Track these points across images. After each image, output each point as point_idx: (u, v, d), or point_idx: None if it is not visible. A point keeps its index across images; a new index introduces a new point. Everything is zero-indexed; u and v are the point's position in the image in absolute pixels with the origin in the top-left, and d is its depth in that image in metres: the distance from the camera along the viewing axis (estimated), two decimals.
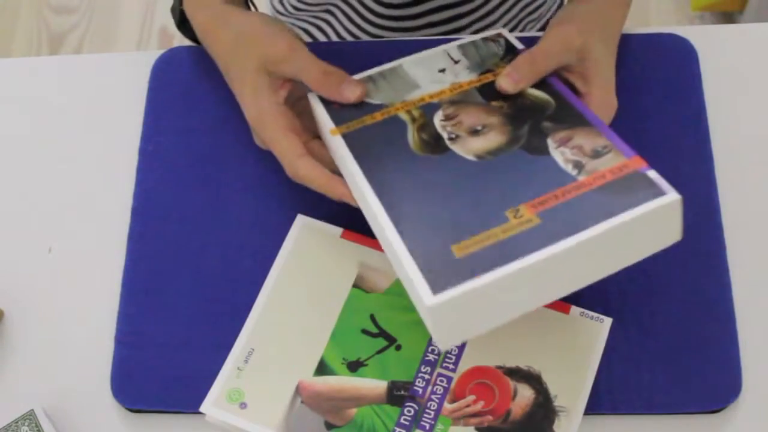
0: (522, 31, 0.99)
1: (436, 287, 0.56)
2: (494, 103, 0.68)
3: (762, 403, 0.69)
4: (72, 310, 0.75)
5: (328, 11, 0.96)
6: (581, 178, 0.61)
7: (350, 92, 0.68)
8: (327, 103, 0.70)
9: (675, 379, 0.69)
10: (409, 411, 0.67)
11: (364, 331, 0.70)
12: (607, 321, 0.70)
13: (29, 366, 0.73)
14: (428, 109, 0.68)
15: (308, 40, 1.01)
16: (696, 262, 0.72)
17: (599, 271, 0.59)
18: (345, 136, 0.67)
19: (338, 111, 0.69)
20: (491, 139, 0.65)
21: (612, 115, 0.71)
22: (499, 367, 0.68)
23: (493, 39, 0.74)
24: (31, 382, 0.73)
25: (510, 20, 0.97)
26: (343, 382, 0.68)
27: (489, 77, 0.70)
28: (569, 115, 0.66)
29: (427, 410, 0.67)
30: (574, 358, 0.68)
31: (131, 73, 0.83)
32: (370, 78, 0.71)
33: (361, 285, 0.71)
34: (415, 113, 0.68)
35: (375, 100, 0.69)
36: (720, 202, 0.75)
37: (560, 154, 0.63)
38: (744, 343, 0.71)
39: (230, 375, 0.68)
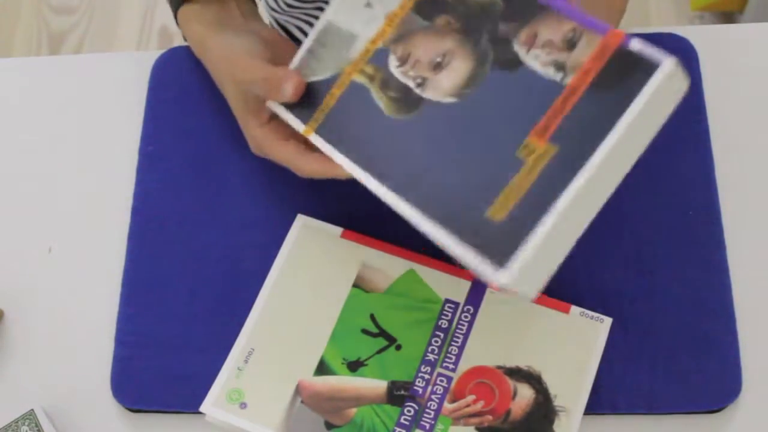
0: None
1: (498, 263, 0.54)
2: (438, 21, 0.62)
3: (762, 403, 0.69)
4: (72, 310, 0.75)
5: (320, 9, 0.96)
6: (569, 80, 0.57)
7: (287, 90, 0.66)
8: (288, 105, 0.68)
9: (675, 379, 0.69)
10: (409, 411, 0.67)
11: (364, 331, 0.70)
12: (607, 321, 0.70)
13: (29, 366, 0.73)
14: (379, 59, 0.64)
15: (301, 37, 1.01)
16: (696, 262, 0.72)
17: (634, 153, 0.56)
18: (319, 132, 0.65)
19: (300, 107, 0.66)
20: (458, 69, 0.61)
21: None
22: (499, 367, 0.68)
23: None
24: (31, 382, 0.73)
25: None
26: (343, 382, 0.68)
27: None
28: (520, 7, 0.60)
29: (427, 410, 0.67)
30: (574, 357, 0.68)
31: (131, 73, 0.83)
32: (309, 52, 0.67)
33: (361, 285, 0.71)
34: (368, 69, 0.64)
35: (324, 74, 0.66)
36: (720, 202, 0.75)
37: (535, 59, 0.58)
38: (744, 343, 0.71)
39: (230, 375, 0.68)
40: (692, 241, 0.73)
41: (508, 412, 0.67)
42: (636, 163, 0.75)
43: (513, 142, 0.57)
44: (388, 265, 0.72)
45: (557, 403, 0.67)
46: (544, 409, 0.67)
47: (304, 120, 0.66)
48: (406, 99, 0.62)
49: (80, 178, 0.79)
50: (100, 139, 0.80)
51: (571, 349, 0.69)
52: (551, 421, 0.66)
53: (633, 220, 0.73)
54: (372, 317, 0.70)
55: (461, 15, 0.62)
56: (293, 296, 0.71)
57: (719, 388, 0.68)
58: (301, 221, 0.73)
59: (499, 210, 0.56)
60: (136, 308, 0.73)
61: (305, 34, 0.99)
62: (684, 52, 0.80)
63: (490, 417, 0.67)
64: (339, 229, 0.73)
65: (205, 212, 0.76)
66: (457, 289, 0.71)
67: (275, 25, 1.05)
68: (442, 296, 0.71)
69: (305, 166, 0.67)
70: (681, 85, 0.56)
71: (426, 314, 0.70)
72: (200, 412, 0.70)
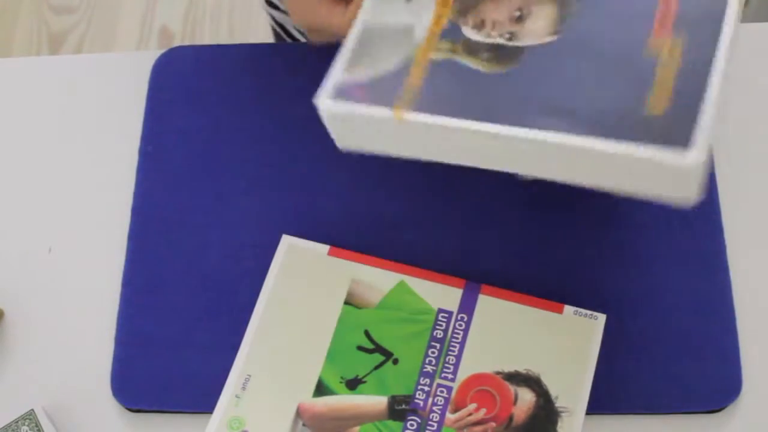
0: None
1: (683, 145, 0.52)
2: None
3: (762, 403, 0.69)
4: (72, 310, 0.75)
5: None
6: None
7: None
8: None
9: (675, 379, 0.69)
10: (411, 425, 0.67)
11: (360, 348, 0.70)
12: (601, 317, 0.70)
13: (29, 366, 0.73)
14: (451, 33, 0.60)
15: (301, 38, 1.01)
16: (696, 262, 0.72)
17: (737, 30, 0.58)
18: (415, 110, 0.57)
19: (376, 97, 0.59)
20: (542, 12, 0.59)
21: None
22: (498, 373, 0.68)
23: None
24: (31, 382, 0.72)
25: None
26: (343, 400, 0.68)
27: None
28: None
29: (429, 422, 0.67)
30: (571, 357, 0.68)
31: (131, 73, 0.83)
32: (353, 53, 0.61)
33: (353, 301, 0.71)
34: (445, 46, 0.59)
35: (389, 66, 0.59)
36: (720, 202, 0.75)
37: None
38: (744, 343, 0.71)
39: (229, 403, 0.68)
40: (692, 241, 0.73)
41: (510, 418, 0.67)
42: None
43: (638, 48, 0.56)
44: (378, 279, 0.71)
45: (559, 404, 0.67)
46: (546, 411, 0.67)
47: (388, 104, 0.58)
48: (503, 53, 0.58)
49: (80, 178, 0.79)
50: (100, 139, 0.80)
51: (568, 349, 0.69)
52: (554, 423, 0.66)
53: (632, 220, 0.73)
54: (366, 333, 0.70)
55: None
56: (285, 318, 0.70)
57: (719, 388, 0.68)
58: (287, 242, 0.73)
59: (657, 105, 0.54)
60: (136, 308, 0.73)
61: (304, 35, 0.99)
62: None
63: (493, 424, 0.67)
64: (326, 247, 0.73)
65: (205, 212, 0.76)
66: (449, 298, 0.71)
67: (274, 23, 1.05)
68: (435, 306, 0.70)
69: (344, 16, 0.63)
70: (693, 187, 0.55)
71: (420, 326, 0.70)
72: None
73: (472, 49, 0.58)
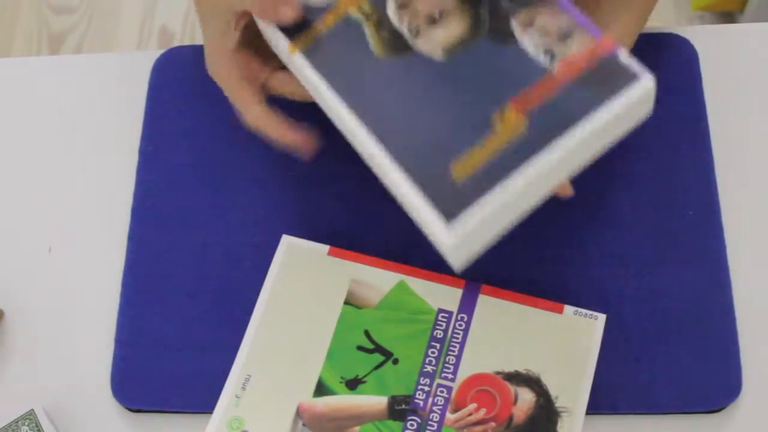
0: None
1: (449, 220, 0.55)
2: None
3: (762, 403, 0.69)
4: (72, 310, 0.75)
5: None
6: (555, 67, 0.59)
7: (285, 13, 0.65)
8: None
9: (675, 379, 0.69)
10: (411, 425, 0.67)
11: (360, 348, 0.70)
12: (602, 318, 0.70)
13: (29, 366, 0.73)
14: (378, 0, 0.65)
15: None
16: (696, 261, 0.72)
17: (588, 155, 0.59)
18: (304, 53, 0.64)
19: (291, 28, 0.66)
20: (453, 27, 0.62)
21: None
22: (498, 373, 0.68)
23: None
24: (31, 382, 0.73)
25: None
26: (343, 401, 0.68)
27: None
28: None
29: (429, 422, 0.67)
30: (571, 357, 0.68)
31: (131, 73, 0.83)
32: None
33: (353, 301, 0.71)
34: (366, 8, 0.64)
35: (318, 1, 0.65)
36: (720, 202, 0.75)
37: (529, 40, 0.60)
38: (744, 343, 0.71)
39: (229, 404, 0.68)
40: (692, 241, 0.73)
41: (510, 418, 0.67)
42: (636, 162, 0.75)
43: (490, 106, 0.58)
44: (378, 279, 0.71)
45: (559, 404, 0.67)
46: (546, 411, 0.67)
47: (291, 38, 0.65)
48: (397, 43, 0.62)
49: (80, 178, 0.79)
50: (100, 139, 0.80)
51: (568, 349, 0.69)
52: (554, 423, 0.66)
53: (633, 220, 0.73)
54: (366, 333, 0.70)
55: None
56: (285, 318, 0.70)
57: (719, 388, 0.68)
58: (287, 242, 0.73)
59: (461, 169, 0.57)
60: (136, 308, 0.73)
61: None
62: (684, 52, 0.80)
63: (493, 424, 0.67)
64: (326, 247, 0.73)
65: (205, 212, 0.76)
66: (449, 298, 0.71)
67: None
68: (435, 306, 0.70)
69: (252, 117, 0.67)
70: (648, 106, 0.59)
71: (420, 326, 0.70)
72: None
73: (381, 23, 0.63)
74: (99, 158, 0.80)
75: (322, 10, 0.65)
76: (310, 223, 0.75)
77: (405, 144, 0.59)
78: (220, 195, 0.76)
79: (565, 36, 0.59)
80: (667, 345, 0.70)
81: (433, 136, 0.59)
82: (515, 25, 0.61)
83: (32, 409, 0.70)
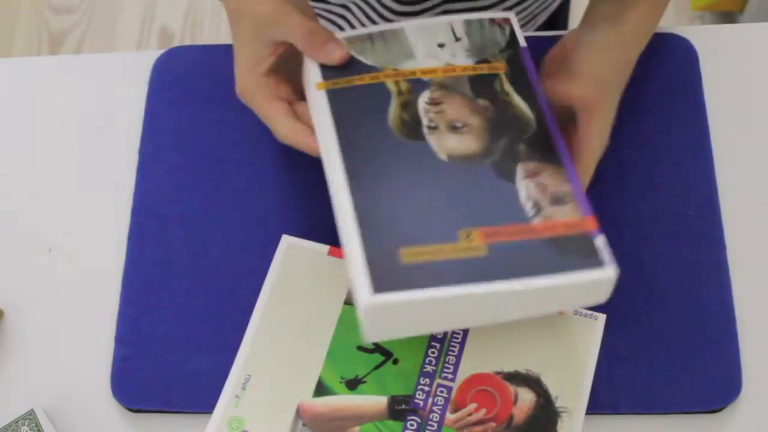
0: (532, 22, 0.99)
1: (377, 288, 0.58)
2: (480, 101, 0.67)
3: (762, 403, 0.69)
4: (72, 310, 0.75)
5: (344, 6, 0.96)
6: (535, 222, 0.62)
7: (333, 52, 0.68)
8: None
9: (675, 379, 0.69)
10: (411, 425, 0.67)
11: (360, 348, 0.70)
12: (601, 318, 0.70)
13: (29, 366, 0.73)
14: (416, 85, 0.68)
15: None
16: (696, 261, 0.72)
17: (522, 312, 0.62)
18: (329, 93, 0.67)
19: (330, 68, 0.69)
20: (467, 143, 0.65)
21: (602, 152, 0.69)
22: (498, 373, 0.68)
23: (500, 23, 0.72)
24: (31, 382, 0.73)
25: (522, 11, 0.97)
26: (343, 401, 0.68)
27: (484, 68, 0.69)
28: (544, 146, 0.65)
29: (429, 422, 0.67)
30: (571, 357, 0.68)
31: (131, 73, 0.83)
32: (369, 36, 0.70)
33: (353, 301, 0.71)
34: (403, 86, 0.68)
35: (368, 61, 0.69)
36: (720, 202, 0.75)
37: (524, 188, 0.63)
38: (744, 343, 0.71)
39: (229, 403, 0.68)
40: (692, 241, 0.73)
41: (511, 418, 0.67)
42: (636, 162, 0.75)
43: (463, 221, 0.62)
44: None
45: (559, 404, 0.67)
46: (546, 412, 0.67)
47: (325, 77, 0.68)
48: (413, 129, 0.66)
49: (80, 178, 0.79)
50: (100, 139, 0.80)
51: (568, 349, 0.69)
52: (554, 423, 0.66)
53: (633, 220, 0.73)
54: None
55: (499, 112, 0.67)
56: (285, 319, 0.70)
57: (719, 388, 0.68)
58: (287, 242, 0.73)
59: (410, 255, 0.60)
60: (136, 308, 0.73)
61: None
62: (684, 52, 0.80)
63: (493, 424, 0.67)
64: (326, 247, 0.73)
65: (205, 212, 0.76)
66: None
67: None
68: None
69: (282, 129, 0.68)
70: (602, 296, 0.62)
71: None
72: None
73: (407, 105, 0.67)
74: (99, 158, 0.80)
75: (364, 68, 0.68)
76: (310, 223, 0.75)
77: (374, 210, 0.62)
78: (220, 195, 0.76)
79: (557, 201, 0.63)
80: (667, 345, 0.70)
81: (403, 217, 0.61)
82: (520, 169, 0.64)
83: (32, 409, 0.70)
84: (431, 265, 0.59)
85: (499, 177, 0.64)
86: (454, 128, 0.66)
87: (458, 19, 0.72)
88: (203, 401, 0.70)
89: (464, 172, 0.64)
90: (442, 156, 0.64)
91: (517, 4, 0.96)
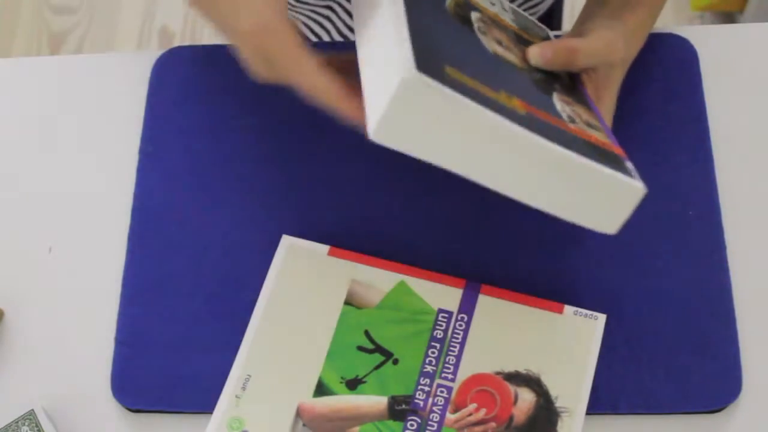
0: None
1: (422, 66, 0.52)
2: (522, 47, 0.67)
3: (762, 403, 0.69)
4: (72, 310, 0.75)
5: (328, 7, 0.96)
6: (571, 126, 0.61)
7: None
8: None
9: (675, 379, 0.69)
10: (411, 425, 0.67)
11: (360, 348, 0.70)
12: (602, 318, 0.70)
13: (29, 366, 0.73)
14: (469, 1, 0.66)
15: (308, 33, 1.01)
16: (696, 262, 0.72)
17: (536, 187, 0.58)
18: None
19: None
20: (510, 57, 0.65)
21: (610, 121, 0.71)
22: (498, 373, 0.68)
23: (539, 25, 0.74)
24: (31, 382, 0.72)
25: None
26: (343, 401, 0.68)
27: (525, 35, 0.70)
28: (577, 93, 0.66)
29: (429, 423, 0.67)
30: (571, 357, 0.68)
31: (131, 73, 0.83)
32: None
33: (353, 301, 0.71)
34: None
35: None
36: (720, 202, 0.75)
37: (560, 104, 0.63)
38: (744, 343, 0.71)
39: (229, 404, 0.68)
40: (692, 241, 0.73)
41: (511, 418, 0.67)
42: (636, 162, 0.75)
43: (505, 85, 0.59)
44: (378, 279, 0.71)
45: (559, 404, 0.67)
46: (546, 412, 0.67)
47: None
48: (465, 19, 0.63)
49: (80, 178, 0.79)
50: (100, 139, 0.80)
51: (568, 349, 0.69)
52: (554, 423, 0.66)
53: (633, 220, 0.73)
54: (366, 333, 0.70)
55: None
56: (285, 319, 0.70)
57: (719, 388, 0.68)
58: (287, 242, 0.73)
59: (455, 73, 0.55)
60: (136, 308, 0.73)
61: (311, 31, 0.99)
62: (684, 52, 0.80)
63: (493, 424, 0.67)
64: (326, 247, 0.73)
65: (205, 212, 0.76)
66: (449, 298, 0.71)
67: None
68: (435, 306, 0.70)
69: (321, 79, 0.57)
70: (624, 211, 0.61)
71: (420, 326, 0.70)
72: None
73: (461, 5, 0.64)
74: (99, 158, 0.80)
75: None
76: (310, 223, 0.75)
77: (426, 30, 0.56)
78: (220, 195, 0.76)
79: (590, 126, 0.64)
80: (667, 345, 0.70)
81: (452, 48, 0.57)
82: (556, 96, 0.64)
83: (32, 409, 0.70)
84: (473, 90, 0.54)
85: (537, 88, 0.62)
86: (499, 42, 0.65)
87: (507, 2, 0.72)
88: (203, 401, 0.70)
89: (509, 67, 0.62)
90: (490, 51, 0.62)
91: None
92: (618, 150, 0.63)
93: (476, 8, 0.66)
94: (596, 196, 0.59)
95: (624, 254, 0.72)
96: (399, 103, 0.52)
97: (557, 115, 0.61)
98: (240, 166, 0.77)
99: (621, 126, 0.76)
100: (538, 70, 0.67)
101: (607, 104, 0.71)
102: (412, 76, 0.51)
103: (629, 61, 0.73)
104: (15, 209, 0.78)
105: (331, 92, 0.58)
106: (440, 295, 0.71)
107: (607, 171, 0.58)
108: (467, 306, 0.70)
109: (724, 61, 0.80)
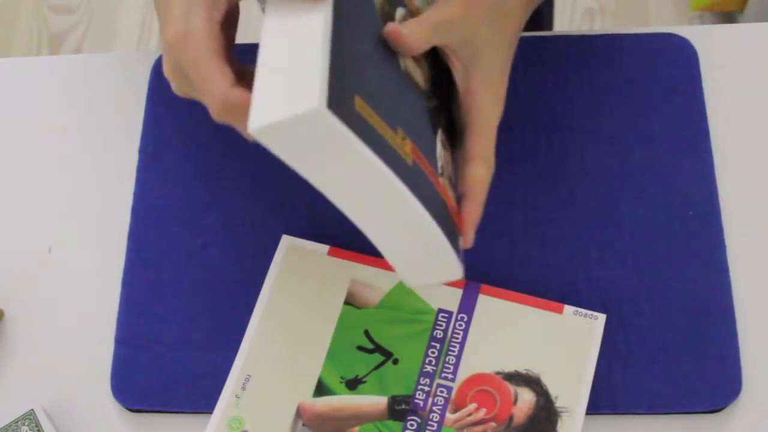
0: None
1: (333, 104, 0.49)
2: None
3: (762, 403, 0.69)
4: (72, 310, 0.75)
5: None
6: (440, 180, 0.59)
7: None
8: None
9: (675, 379, 0.69)
10: (411, 425, 0.67)
11: (360, 348, 0.70)
12: (601, 318, 0.70)
13: (29, 366, 0.73)
14: None
15: None
16: (696, 261, 0.72)
17: (384, 235, 0.57)
18: None
19: None
20: (416, 72, 0.62)
21: (498, 116, 0.61)
22: (498, 373, 0.68)
23: None
24: (31, 382, 0.73)
25: None
26: (343, 401, 0.68)
27: None
28: (455, 138, 0.64)
29: (429, 422, 0.67)
30: (571, 357, 0.68)
31: (131, 73, 0.83)
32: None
33: (353, 301, 0.71)
34: None
35: None
36: (720, 202, 0.75)
37: (439, 146, 0.61)
38: (744, 343, 0.71)
39: (229, 403, 0.68)
40: (692, 241, 0.73)
41: (511, 418, 0.67)
42: (636, 162, 0.75)
43: (401, 122, 0.57)
44: (378, 279, 0.71)
45: (559, 404, 0.67)
46: (546, 412, 0.67)
47: None
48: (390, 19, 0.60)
49: (80, 177, 0.79)
50: (100, 139, 0.80)
51: (568, 349, 0.69)
52: (554, 423, 0.66)
53: (633, 220, 0.73)
54: (366, 333, 0.70)
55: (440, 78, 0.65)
56: (285, 318, 0.70)
57: (719, 388, 0.68)
58: (287, 242, 0.73)
59: (362, 107, 0.53)
60: (136, 308, 0.73)
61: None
62: (684, 52, 0.80)
63: (493, 424, 0.67)
64: (326, 247, 0.73)
65: (205, 212, 0.76)
66: (449, 298, 0.71)
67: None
68: (435, 306, 0.70)
69: (232, 96, 0.52)
70: (444, 278, 0.60)
71: (420, 326, 0.70)
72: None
73: (391, 2, 0.61)
74: (99, 158, 0.80)
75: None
76: (310, 223, 0.75)
77: (348, 48, 0.54)
78: (220, 195, 0.76)
79: (449, 179, 0.61)
80: (667, 345, 0.70)
81: (367, 74, 0.55)
82: (439, 132, 0.62)
83: (32, 409, 0.70)
84: (374, 133, 0.52)
85: (428, 122, 0.60)
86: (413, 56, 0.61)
87: None
88: (203, 401, 0.70)
89: (412, 91, 0.60)
90: (402, 67, 0.60)
91: None
92: (458, 219, 0.61)
93: (402, 3, 0.62)
94: (428, 260, 0.58)
95: (624, 254, 0.73)
96: (297, 124, 0.50)
97: (434, 164, 0.59)
98: (240, 165, 0.77)
99: (621, 126, 0.76)
100: (433, 93, 0.63)
101: (482, 80, 0.59)
102: (320, 110, 0.49)
103: (505, 43, 0.61)
104: (15, 209, 0.78)
105: (238, 113, 0.53)
106: (440, 295, 0.71)
107: (450, 249, 0.57)
108: (467, 306, 0.70)
109: (724, 61, 0.80)
